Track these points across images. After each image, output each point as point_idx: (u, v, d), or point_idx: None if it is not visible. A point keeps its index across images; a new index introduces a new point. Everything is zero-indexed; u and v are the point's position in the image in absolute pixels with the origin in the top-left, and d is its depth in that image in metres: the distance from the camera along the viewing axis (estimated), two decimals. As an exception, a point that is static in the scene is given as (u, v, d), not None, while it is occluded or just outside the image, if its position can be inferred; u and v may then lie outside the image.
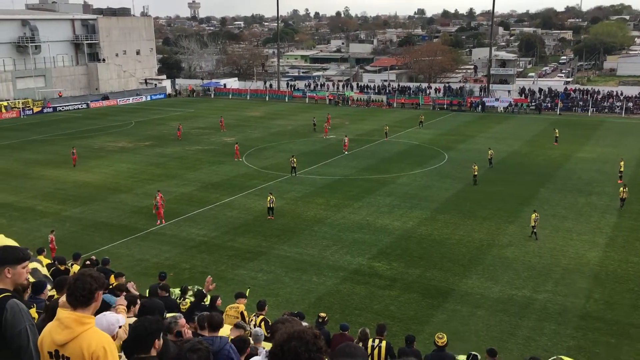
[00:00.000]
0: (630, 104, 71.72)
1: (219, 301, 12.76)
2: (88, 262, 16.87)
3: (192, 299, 13.23)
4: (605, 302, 22.40)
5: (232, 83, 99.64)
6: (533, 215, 29.41)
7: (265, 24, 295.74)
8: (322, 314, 14.76)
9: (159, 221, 31.93)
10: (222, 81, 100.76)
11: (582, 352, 18.98)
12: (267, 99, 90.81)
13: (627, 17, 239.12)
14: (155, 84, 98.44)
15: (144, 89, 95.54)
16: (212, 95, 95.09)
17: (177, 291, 15.36)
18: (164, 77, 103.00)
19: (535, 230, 29.19)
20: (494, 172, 42.52)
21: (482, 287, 23.82)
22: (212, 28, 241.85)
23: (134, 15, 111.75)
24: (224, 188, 39.41)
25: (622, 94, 74.21)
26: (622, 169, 39.81)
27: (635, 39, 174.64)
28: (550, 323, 20.90)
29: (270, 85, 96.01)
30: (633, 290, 23.44)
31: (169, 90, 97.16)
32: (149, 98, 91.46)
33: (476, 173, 39.13)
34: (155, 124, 67.78)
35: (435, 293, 23.38)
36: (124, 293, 8.36)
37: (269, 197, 33.00)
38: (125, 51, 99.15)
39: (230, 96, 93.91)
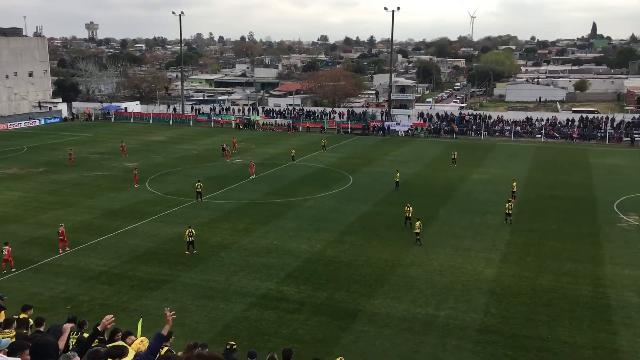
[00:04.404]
0: (518, 128, 76.87)
1: (130, 338, 11.78)
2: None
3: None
4: (501, 316, 23.60)
5: (134, 107, 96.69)
6: (417, 223, 32.17)
7: (168, 47, 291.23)
8: (231, 342, 14.49)
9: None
10: (123, 105, 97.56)
11: (482, 365, 19.83)
12: (171, 123, 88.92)
13: (514, 47, 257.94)
14: (50, 108, 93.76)
15: (37, 112, 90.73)
16: (112, 119, 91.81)
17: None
18: (60, 100, 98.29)
19: (419, 237, 32.04)
20: (399, 195, 43.91)
21: (387, 307, 24.37)
22: (111, 50, 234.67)
23: (26, 36, 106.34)
24: (125, 215, 37.96)
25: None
26: (514, 189, 42.45)
27: (521, 67, 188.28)
28: (452, 339, 21.71)
29: (174, 109, 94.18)
30: (526, 303, 24.89)
31: (65, 114, 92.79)
32: (43, 122, 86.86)
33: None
34: (50, 149, 64.35)
35: (343, 315, 23.64)
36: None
37: (187, 231, 31.06)
38: (17, 73, 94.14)
39: (131, 120, 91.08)
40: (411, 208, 35.74)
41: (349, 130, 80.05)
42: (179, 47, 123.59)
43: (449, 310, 24.03)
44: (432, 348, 21.04)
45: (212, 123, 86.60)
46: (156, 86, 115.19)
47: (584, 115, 79.59)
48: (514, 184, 43.11)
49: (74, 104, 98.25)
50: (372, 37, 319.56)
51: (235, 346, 14.14)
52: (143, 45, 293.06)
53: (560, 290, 26.17)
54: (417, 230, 32.17)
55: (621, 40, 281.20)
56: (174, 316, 8.90)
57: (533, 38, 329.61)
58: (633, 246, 32.32)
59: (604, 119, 76.80)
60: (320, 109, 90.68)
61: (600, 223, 36.72)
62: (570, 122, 77.03)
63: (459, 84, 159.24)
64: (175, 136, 75.12)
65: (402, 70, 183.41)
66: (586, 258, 30.35)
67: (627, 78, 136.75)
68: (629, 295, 25.67)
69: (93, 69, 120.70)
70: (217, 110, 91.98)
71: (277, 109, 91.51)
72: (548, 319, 23.27)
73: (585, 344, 21.39)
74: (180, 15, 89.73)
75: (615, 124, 74.79)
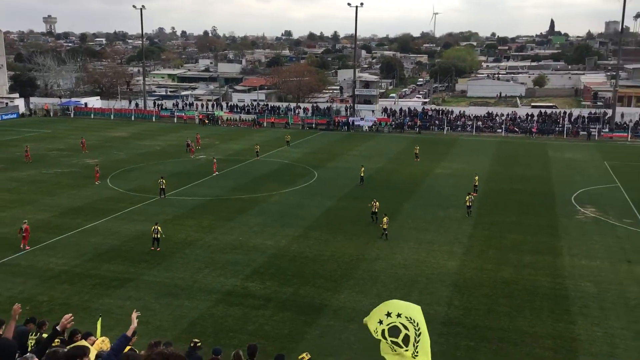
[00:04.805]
0: (480, 123, 78.16)
1: (90, 339, 11.65)
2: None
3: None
4: (464, 308, 24.03)
5: (94, 102, 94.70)
6: (385, 219, 32.62)
7: (129, 41, 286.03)
8: (195, 340, 14.40)
9: None
10: (83, 100, 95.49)
11: (444, 358, 20.16)
12: (133, 118, 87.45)
13: (475, 44, 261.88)
14: (6, 103, 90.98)
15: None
16: (72, 115, 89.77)
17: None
18: (17, 95, 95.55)
19: (386, 232, 32.46)
20: (363, 189, 44.18)
21: (353, 301, 24.54)
22: (70, 44, 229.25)
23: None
24: (86, 213, 37.21)
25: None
26: (477, 184, 43.17)
27: (482, 63, 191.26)
28: (417, 331, 21.95)
29: (137, 105, 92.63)
30: (488, 295, 25.39)
31: (22, 109, 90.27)
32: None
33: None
34: (7, 145, 62.54)
35: (308, 310, 23.70)
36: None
37: (153, 228, 30.80)
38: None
39: (92, 116, 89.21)
40: (378, 203, 35.81)
41: (314, 125, 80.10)
42: (140, 42, 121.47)
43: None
44: (396, 341, 21.25)
45: (175, 119, 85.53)
46: (117, 81, 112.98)
47: (543, 110, 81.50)
48: (476, 178, 43.83)
49: (32, 99, 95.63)
50: (336, 32, 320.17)
51: (199, 344, 14.06)
52: (103, 40, 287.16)
53: (520, 281, 26.77)
54: (384, 226, 32.50)
55: (578, 36, 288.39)
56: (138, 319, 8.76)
57: (493, 34, 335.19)
58: (589, 238, 33.28)
59: (561, 114, 78.73)
60: (285, 104, 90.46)
61: (559, 215, 37.68)
62: (529, 117, 78.71)
63: (421, 79, 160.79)
64: (137, 132, 73.93)
65: (366, 66, 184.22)
66: (545, 250, 31.11)
67: (583, 74, 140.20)
68: (586, 285, 26.43)
69: (51, 63, 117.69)
70: (180, 106, 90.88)
71: (241, 104, 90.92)
72: (509, 310, 23.80)
73: (545, 333, 21.95)
74: (141, 9, 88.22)
75: (572, 119, 76.75)
